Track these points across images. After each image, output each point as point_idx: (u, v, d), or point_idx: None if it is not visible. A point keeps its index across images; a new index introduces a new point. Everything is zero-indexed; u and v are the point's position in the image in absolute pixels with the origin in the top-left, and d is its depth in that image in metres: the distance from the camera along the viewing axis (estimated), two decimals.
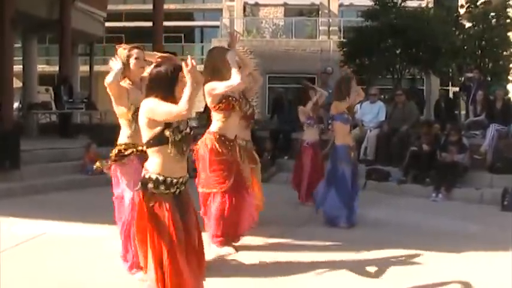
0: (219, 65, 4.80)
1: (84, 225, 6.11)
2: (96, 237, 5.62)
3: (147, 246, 3.24)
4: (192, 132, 3.34)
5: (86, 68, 19.68)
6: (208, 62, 4.98)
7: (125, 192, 4.18)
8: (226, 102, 4.86)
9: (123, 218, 4.21)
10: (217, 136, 4.88)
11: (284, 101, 13.29)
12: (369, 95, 10.29)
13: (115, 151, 4.19)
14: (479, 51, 14.26)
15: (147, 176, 3.25)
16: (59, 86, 12.99)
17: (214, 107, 4.91)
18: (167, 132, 3.19)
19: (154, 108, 3.15)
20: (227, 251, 5.08)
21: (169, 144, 3.19)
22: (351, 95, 6.17)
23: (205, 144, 4.85)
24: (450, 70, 14.75)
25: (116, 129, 4.37)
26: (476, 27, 14.39)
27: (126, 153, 4.13)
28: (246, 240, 5.43)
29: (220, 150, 4.81)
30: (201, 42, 34.83)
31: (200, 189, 4.97)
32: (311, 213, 6.86)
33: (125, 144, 4.18)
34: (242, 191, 4.97)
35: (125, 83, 4.21)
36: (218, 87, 4.73)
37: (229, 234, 5.06)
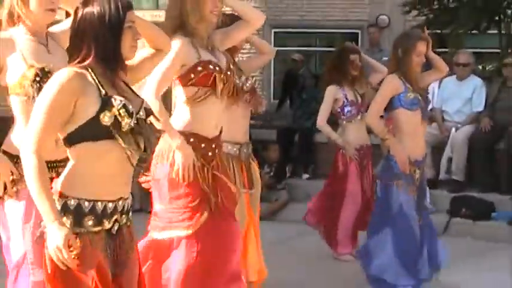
0: (190, 17, 4.30)
1: None
2: None
3: None
4: (149, 120, 2.89)
5: None
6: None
7: (11, 241, 3.66)
8: (203, 70, 4.25)
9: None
10: (183, 138, 4.40)
11: (303, 75, 11.66)
12: (455, 66, 8.94)
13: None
14: None
15: (59, 205, 2.81)
16: None
17: (180, 78, 4.36)
18: (106, 118, 2.71)
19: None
20: None
21: (115, 138, 2.72)
22: (415, 63, 5.54)
23: (161, 156, 4.39)
24: None
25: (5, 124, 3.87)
26: None
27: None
28: None
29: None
30: None
31: (154, 235, 4.38)
32: (350, 276, 6.33)
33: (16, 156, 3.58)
34: (226, 235, 4.40)
35: (20, 34, 3.61)
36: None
37: None
